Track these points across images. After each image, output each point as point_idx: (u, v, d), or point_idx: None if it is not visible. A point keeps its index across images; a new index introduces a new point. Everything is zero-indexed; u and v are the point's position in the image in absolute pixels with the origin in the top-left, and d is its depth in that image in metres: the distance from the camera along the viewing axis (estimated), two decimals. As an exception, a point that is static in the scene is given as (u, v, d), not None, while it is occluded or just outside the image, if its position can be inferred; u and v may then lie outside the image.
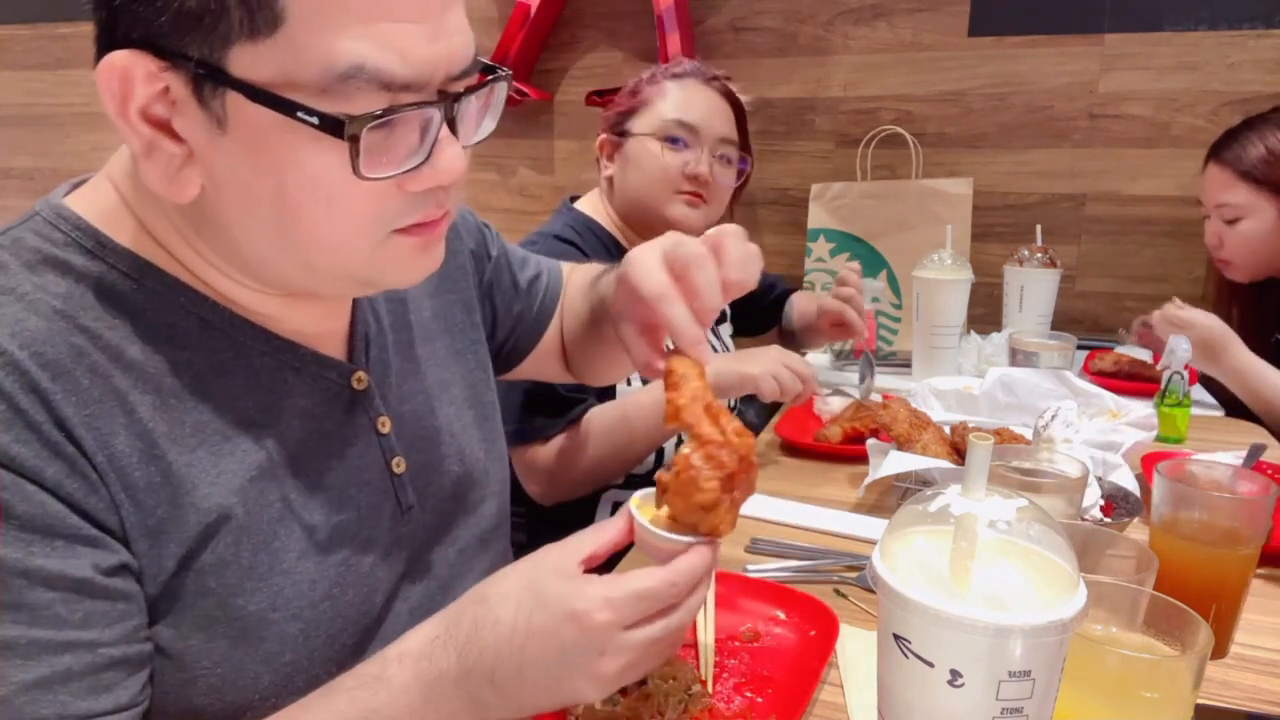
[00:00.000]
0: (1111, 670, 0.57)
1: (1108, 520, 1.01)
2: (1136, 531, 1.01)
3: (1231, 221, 1.65)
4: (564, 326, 1.03)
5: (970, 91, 2.17)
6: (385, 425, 0.73)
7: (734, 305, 1.75)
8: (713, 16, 2.34)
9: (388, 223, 0.58)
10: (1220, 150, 1.66)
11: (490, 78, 0.61)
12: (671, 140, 1.48)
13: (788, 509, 1.14)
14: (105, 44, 0.53)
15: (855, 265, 1.63)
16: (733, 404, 1.66)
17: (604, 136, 1.57)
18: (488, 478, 0.85)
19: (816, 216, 2.14)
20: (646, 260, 0.67)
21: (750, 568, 0.97)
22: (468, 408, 0.85)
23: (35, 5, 2.98)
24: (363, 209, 0.56)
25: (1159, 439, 1.33)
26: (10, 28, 3.01)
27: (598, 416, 1.37)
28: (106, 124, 0.54)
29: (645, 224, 1.52)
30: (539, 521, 1.43)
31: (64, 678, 0.51)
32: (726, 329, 1.75)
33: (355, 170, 0.53)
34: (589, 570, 0.59)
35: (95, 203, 0.61)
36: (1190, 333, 1.39)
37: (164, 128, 0.54)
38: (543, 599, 0.56)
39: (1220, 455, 1.12)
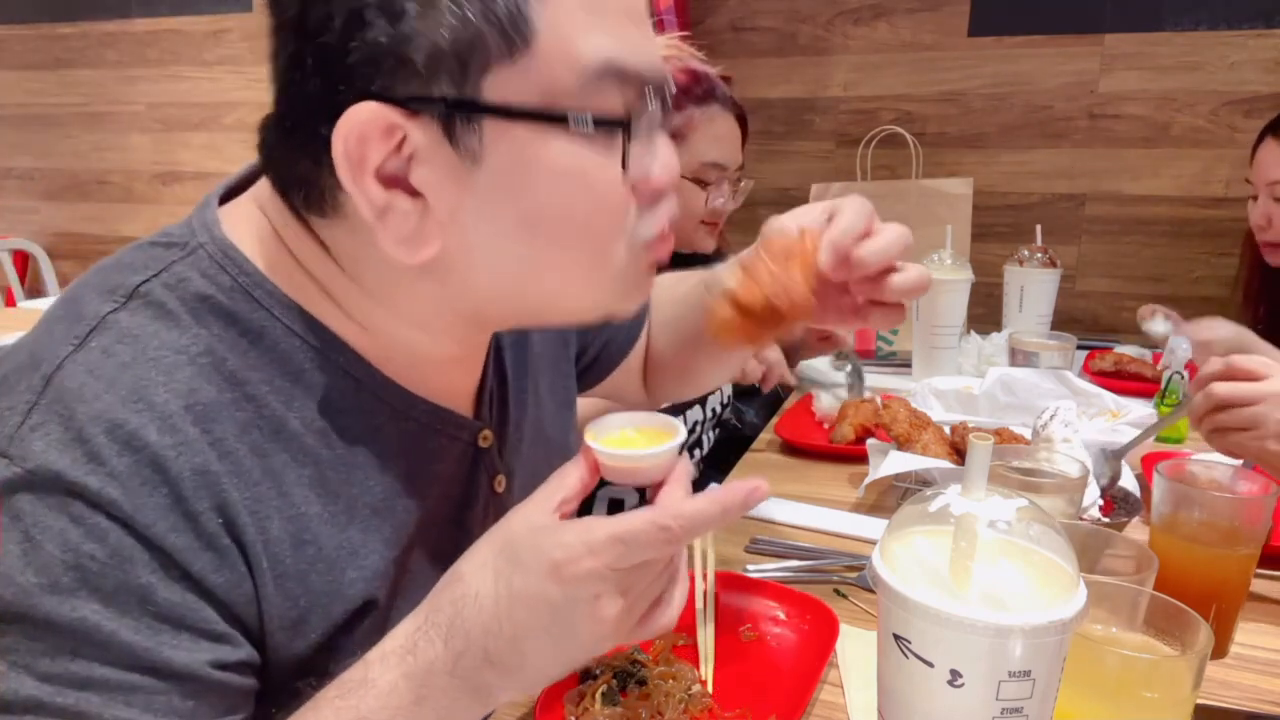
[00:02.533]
0: (1111, 670, 0.57)
1: (1108, 520, 1.01)
2: (1136, 531, 1.01)
3: None
4: (650, 343, 0.97)
5: (970, 91, 2.17)
6: (501, 484, 0.69)
7: None
8: (712, 16, 2.34)
9: (635, 236, 0.56)
10: (1279, 127, 1.61)
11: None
12: (701, 181, 1.47)
13: (788, 509, 1.14)
14: (324, 108, 0.48)
15: None
16: (730, 401, 1.66)
17: None
18: None
19: (817, 216, 2.14)
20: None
21: (750, 568, 0.97)
22: (556, 453, 0.77)
23: (35, 5, 2.96)
24: (617, 216, 0.54)
25: (1159, 439, 1.33)
26: (10, 28, 3.00)
27: None
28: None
29: None
30: None
31: None
32: None
33: (625, 167, 0.52)
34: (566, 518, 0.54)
35: (253, 238, 0.57)
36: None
37: (398, 184, 0.50)
38: (519, 560, 0.51)
39: (1220, 455, 1.11)
